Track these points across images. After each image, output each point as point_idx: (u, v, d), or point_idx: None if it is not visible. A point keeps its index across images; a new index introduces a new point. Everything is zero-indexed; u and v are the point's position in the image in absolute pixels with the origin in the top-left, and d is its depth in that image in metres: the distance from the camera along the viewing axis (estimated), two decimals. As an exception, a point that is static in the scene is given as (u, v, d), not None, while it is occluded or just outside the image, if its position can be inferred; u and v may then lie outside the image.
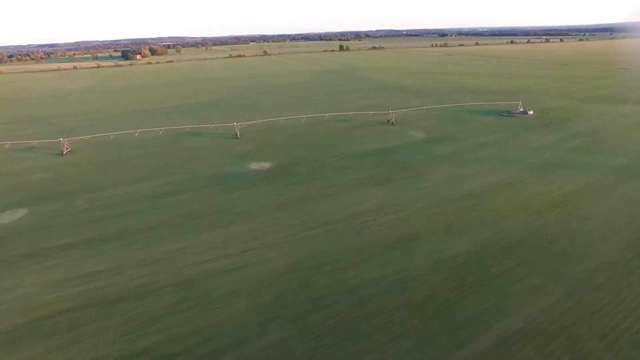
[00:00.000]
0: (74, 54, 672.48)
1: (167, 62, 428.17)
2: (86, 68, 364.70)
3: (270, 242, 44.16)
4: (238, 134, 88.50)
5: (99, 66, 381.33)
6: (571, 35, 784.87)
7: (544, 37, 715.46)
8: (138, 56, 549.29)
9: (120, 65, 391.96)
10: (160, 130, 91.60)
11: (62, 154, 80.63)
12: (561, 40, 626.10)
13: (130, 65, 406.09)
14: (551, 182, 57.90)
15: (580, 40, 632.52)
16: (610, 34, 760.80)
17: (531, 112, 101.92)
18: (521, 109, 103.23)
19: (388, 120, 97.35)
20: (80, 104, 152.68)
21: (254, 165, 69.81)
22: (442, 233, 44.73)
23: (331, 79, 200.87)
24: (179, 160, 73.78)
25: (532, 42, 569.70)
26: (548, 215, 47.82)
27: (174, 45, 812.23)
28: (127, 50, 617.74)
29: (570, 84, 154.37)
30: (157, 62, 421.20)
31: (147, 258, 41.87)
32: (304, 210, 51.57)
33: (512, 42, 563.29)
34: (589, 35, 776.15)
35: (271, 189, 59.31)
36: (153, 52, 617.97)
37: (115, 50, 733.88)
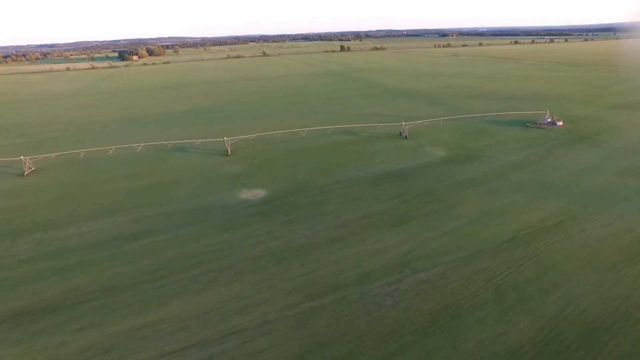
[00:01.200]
0: (71, 55, 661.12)
1: (164, 63, 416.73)
2: (80, 69, 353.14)
3: (262, 319, 32.67)
4: (229, 150, 77.02)
5: (93, 67, 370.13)
6: (574, 35, 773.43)
7: (547, 37, 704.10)
8: (134, 57, 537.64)
9: (115, 67, 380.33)
10: (139, 146, 79.88)
11: (23, 175, 69.15)
12: (566, 40, 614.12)
13: (125, 66, 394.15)
14: (614, 220, 46.37)
15: (585, 40, 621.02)
16: (614, 34, 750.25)
17: (560, 123, 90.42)
18: (549, 119, 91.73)
19: (400, 133, 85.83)
20: (62, 109, 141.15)
21: (246, 194, 58.23)
22: (492, 305, 33.22)
23: (333, 82, 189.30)
24: (156, 187, 62.19)
25: (536, 43, 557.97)
26: (627, 275, 36.32)
27: (172, 46, 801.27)
28: (124, 51, 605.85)
29: (590, 88, 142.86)
30: (153, 63, 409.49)
31: (91, 347, 30.39)
32: (306, 264, 40.06)
33: (516, 42, 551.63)
34: (593, 35, 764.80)
35: (265, 228, 47.79)
36: (150, 52, 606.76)
37: (113, 51, 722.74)
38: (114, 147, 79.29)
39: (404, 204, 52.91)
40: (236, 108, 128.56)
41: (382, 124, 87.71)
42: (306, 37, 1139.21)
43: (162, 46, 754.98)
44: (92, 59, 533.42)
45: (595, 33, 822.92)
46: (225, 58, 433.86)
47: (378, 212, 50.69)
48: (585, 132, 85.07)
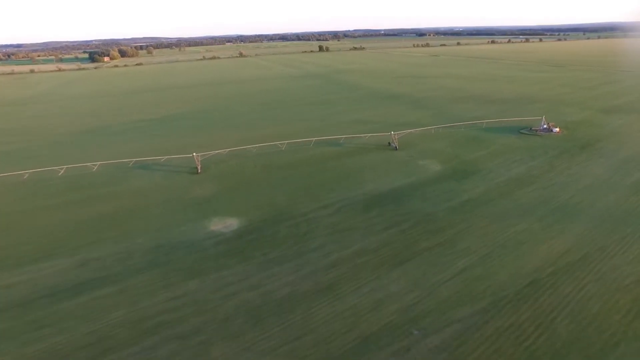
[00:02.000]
0: (38, 55, 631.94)
1: (136, 65, 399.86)
2: (45, 71, 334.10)
3: (231, 420, 24.46)
4: (199, 167, 68.16)
5: (59, 69, 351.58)
6: (547, 35, 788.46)
7: (522, 36, 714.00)
8: (106, 58, 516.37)
9: (83, 69, 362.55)
10: (95, 165, 69.97)
11: (-46, 204, 58.63)
12: (540, 40, 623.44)
13: (95, 68, 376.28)
14: (646, 252, 40.02)
15: (559, 40, 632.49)
16: (584, 34, 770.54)
17: (557, 130, 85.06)
18: (545, 126, 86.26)
19: (389, 144, 78.67)
20: (15, 118, 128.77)
21: (217, 224, 49.68)
22: (529, 385, 25.93)
23: (313, 85, 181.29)
24: (112, 217, 52.94)
25: (512, 42, 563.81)
26: (683, 333, 29.66)
27: (146, 47, 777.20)
28: (95, 52, 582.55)
29: (578, 90, 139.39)
30: (125, 65, 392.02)
31: None
32: (290, 327, 32.07)
33: (493, 42, 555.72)
34: (564, 35, 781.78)
35: (239, 273, 39.51)
36: (123, 53, 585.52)
37: (84, 52, 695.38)
38: (65, 167, 69.07)
39: (402, 235, 45.41)
40: (210, 115, 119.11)
41: (369, 134, 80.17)
42: (284, 37, 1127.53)
43: (135, 47, 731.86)
44: (60, 60, 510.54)
45: (567, 33, 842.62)
46: (201, 59, 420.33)
47: (373, 247, 43.02)
48: (585, 139, 79.72)
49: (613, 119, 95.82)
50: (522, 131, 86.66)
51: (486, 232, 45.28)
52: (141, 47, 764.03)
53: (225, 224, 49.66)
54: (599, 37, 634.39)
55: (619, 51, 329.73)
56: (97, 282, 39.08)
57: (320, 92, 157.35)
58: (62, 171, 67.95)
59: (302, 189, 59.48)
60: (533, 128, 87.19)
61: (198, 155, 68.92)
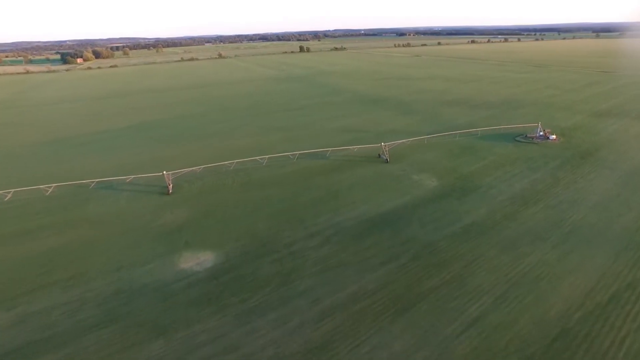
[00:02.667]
0: (6, 56, 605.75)
1: (111, 67, 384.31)
2: (10, 74, 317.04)
3: None
4: (170, 188, 60.90)
5: (27, 72, 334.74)
6: (524, 34, 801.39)
7: (500, 36, 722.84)
8: (79, 60, 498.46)
9: (54, 71, 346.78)
10: (50, 188, 61.79)
11: None
12: (519, 40, 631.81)
13: (66, 70, 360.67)
14: (681, 289, 35.12)
15: (537, 39, 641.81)
16: (559, 34, 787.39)
17: (553, 137, 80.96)
18: (541, 133, 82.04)
19: (379, 155, 72.99)
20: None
21: (188, 261, 42.80)
22: None
23: (295, 88, 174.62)
24: (64, 253, 45.42)
25: (492, 42, 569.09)
26: None
27: (122, 47, 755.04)
28: (68, 53, 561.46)
29: (564, 92, 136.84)
30: (99, 67, 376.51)
31: None
32: (275, 411, 25.61)
33: (473, 42, 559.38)
34: (540, 35, 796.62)
35: (212, 330, 32.86)
36: (97, 55, 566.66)
37: (57, 53, 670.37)
38: (13, 190, 60.65)
39: (402, 271, 39.48)
40: (185, 123, 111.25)
41: (357, 146, 74.06)
42: (264, 37, 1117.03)
43: (111, 48, 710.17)
44: (30, 61, 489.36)
45: (542, 33, 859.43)
46: (179, 61, 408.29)
47: (371, 289, 36.96)
48: (583, 147, 75.72)
49: (607, 124, 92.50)
50: (517, 139, 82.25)
51: (497, 265, 39.78)
52: (117, 48, 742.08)
53: (198, 260, 42.82)
54: (573, 37, 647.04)
55: (594, 51, 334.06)
56: (37, 346, 31.89)
57: (303, 96, 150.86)
58: (8, 196, 59.56)
59: (285, 212, 53.02)
60: (529, 135, 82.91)
61: (169, 174, 61.61)
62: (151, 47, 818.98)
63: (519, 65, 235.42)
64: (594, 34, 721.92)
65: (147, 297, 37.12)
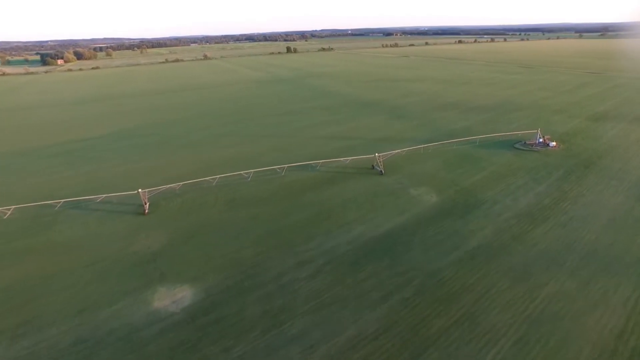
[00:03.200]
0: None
1: (93, 68, 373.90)
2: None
3: None
4: (146, 207, 55.43)
5: (3, 74, 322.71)
6: (509, 34, 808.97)
7: (486, 36, 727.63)
8: (60, 61, 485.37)
9: (32, 73, 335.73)
10: (9, 210, 55.67)
11: None
12: (505, 40, 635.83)
13: (46, 72, 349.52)
14: None
15: (522, 39, 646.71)
16: (544, 34, 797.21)
17: (553, 144, 77.59)
18: (540, 140, 78.56)
19: (373, 167, 68.49)
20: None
21: (163, 299, 37.58)
22: None
23: (283, 91, 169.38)
24: (18, 290, 39.75)
25: (479, 42, 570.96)
26: None
27: (106, 48, 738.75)
28: (48, 54, 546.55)
29: (557, 94, 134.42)
30: (80, 69, 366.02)
31: None
32: None
33: (460, 42, 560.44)
34: (525, 35, 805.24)
35: (187, 391, 27.76)
36: (79, 56, 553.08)
37: (37, 53, 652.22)
38: (-31, 213, 54.55)
39: (406, 308, 34.91)
40: (167, 131, 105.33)
41: (349, 158, 69.26)
42: (250, 38, 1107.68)
43: (94, 49, 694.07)
44: (7, 62, 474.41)
45: (527, 33, 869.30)
46: (163, 62, 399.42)
47: (372, 333, 32.31)
48: (585, 155, 72.37)
49: (605, 128, 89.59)
50: (516, 146, 78.64)
51: (511, 299, 35.49)
52: (100, 49, 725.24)
53: (174, 298, 37.63)
54: (557, 38, 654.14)
55: (579, 52, 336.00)
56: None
57: (290, 100, 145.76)
58: (-37, 220, 53.43)
59: (273, 235, 48.07)
60: (528, 142, 79.34)
61: (145, 192, 56.11)
62: (135, 48, 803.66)
63: (508, 66, 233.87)
64: (577, 34, 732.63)
65: (113, 349, 31.85)
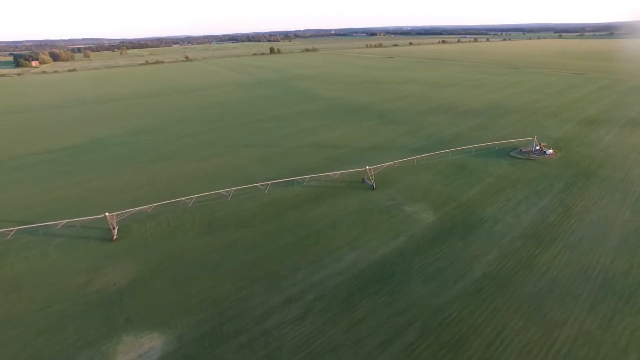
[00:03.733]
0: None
1: (69, 70, 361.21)
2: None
3: None
4: (115, 232, 49.69)
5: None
6: (491, 34, 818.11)
7: (469, 36, 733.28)
8: (34, 62, 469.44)
9: (2, 75, 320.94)
10: (-45, 241, 49.30)
11: None
12: (487, 40, 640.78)
13: (18, 74, 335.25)
14: None
15: (504, 40, 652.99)
16: (524, 34, 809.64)
17: (550, 152, 74.45)
18: (537, 147, 75.26)
19: (363, 180, 63.95)
20: None
21: (127, 351, 32.27)
22: None
23: (266, 95, 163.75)
24: (-45, 346, 33.74)
25: (462, 42, 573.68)
26: None
27: (84, 49, 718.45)
28: (22, 55, 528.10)
29: (547, 97, 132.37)
30: (55, 72, 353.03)
31: None
32: None
33: (443, 42, 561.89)
34: (506, 35, 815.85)
35: None
36: (55, 57, 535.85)
37: (10, 54, 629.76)
38: None
39: (410, 358, 30.26)
40: (143, 140, 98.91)
41: (338, 172, 64.38)
42: (233, 38, 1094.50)
43: (72, 50, 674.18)
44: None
45: (509, 33, 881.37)
46: (143, 64, 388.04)
47: (372, 394, 27.53)
48: (584, 163, 69.27)
49: (599, 134, 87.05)
50: (512, 154, 75.20)
51: (527, 342, 31.28)
52: (79, 50, 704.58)
53: (141, 349, 32.27)
54: (538, 38, 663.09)
55: (561, 52, 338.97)
56: None
57: (274, 104, 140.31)
58: None
59: (256, 265, 43.01)
60: (524, 150, 76.00)
61: (113, 216, 50.33)
62: (115, 49, 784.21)
63: (493, 66, 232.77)
64: (556, 34, 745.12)
65: (62, 423, 26.37)
